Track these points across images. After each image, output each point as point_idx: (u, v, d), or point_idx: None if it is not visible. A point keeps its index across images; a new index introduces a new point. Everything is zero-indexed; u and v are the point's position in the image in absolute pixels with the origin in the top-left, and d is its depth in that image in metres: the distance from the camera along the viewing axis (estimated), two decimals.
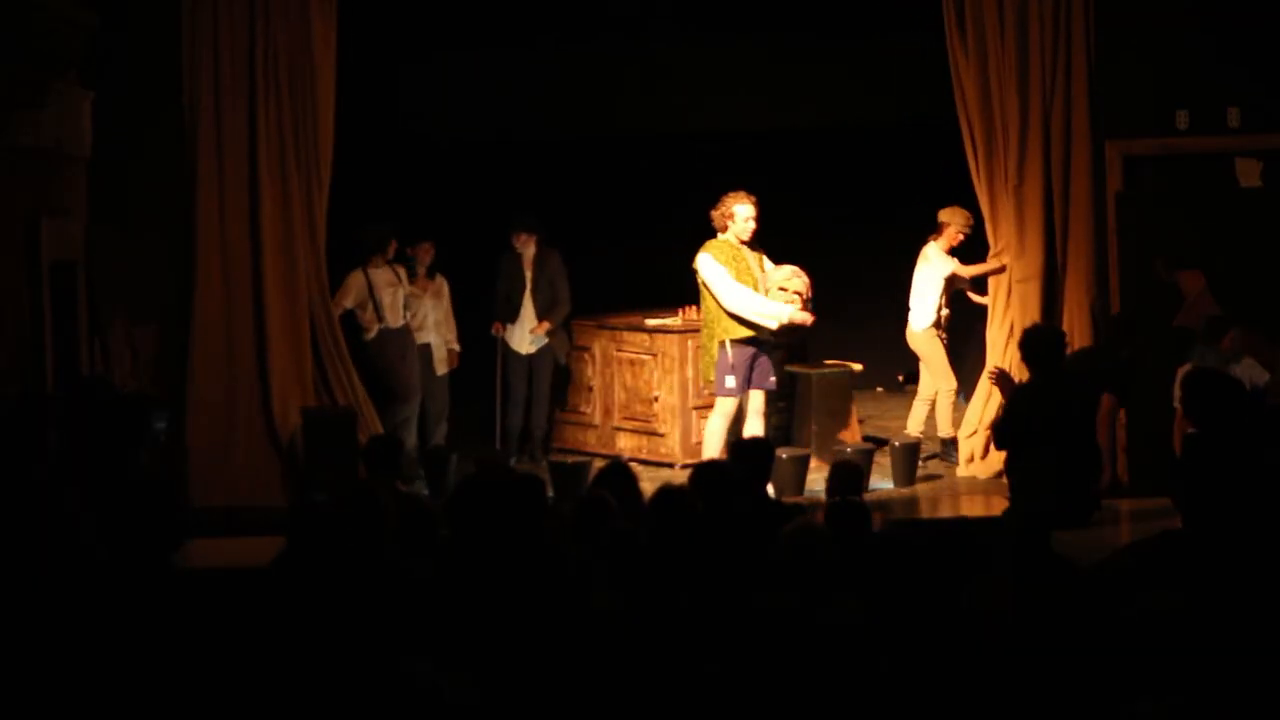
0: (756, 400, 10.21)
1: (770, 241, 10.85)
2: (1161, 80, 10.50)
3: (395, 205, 11.77)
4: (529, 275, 11.46)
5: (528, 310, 11.51)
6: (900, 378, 14.44)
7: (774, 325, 9.98)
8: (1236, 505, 5.30)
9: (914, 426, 11.35)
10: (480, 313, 11.65)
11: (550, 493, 8.96)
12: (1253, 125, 10.45)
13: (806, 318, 10.05)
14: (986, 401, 10.62)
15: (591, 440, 11.86)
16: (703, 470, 6.75)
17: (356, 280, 10.88)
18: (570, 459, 11.14)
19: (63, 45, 9.29)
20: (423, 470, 10.75)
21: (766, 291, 10.09)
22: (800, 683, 4.59)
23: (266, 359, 10.40)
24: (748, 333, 9.97)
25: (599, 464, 9.16)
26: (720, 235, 10.13)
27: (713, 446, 10.06)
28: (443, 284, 11.39)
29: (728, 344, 9.99)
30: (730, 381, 10.01)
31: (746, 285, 9.97)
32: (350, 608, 4.02)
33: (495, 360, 11.59)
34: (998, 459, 9.93)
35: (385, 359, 10.92)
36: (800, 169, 13.61)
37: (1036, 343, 8.48)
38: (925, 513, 9.95)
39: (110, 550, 5.25)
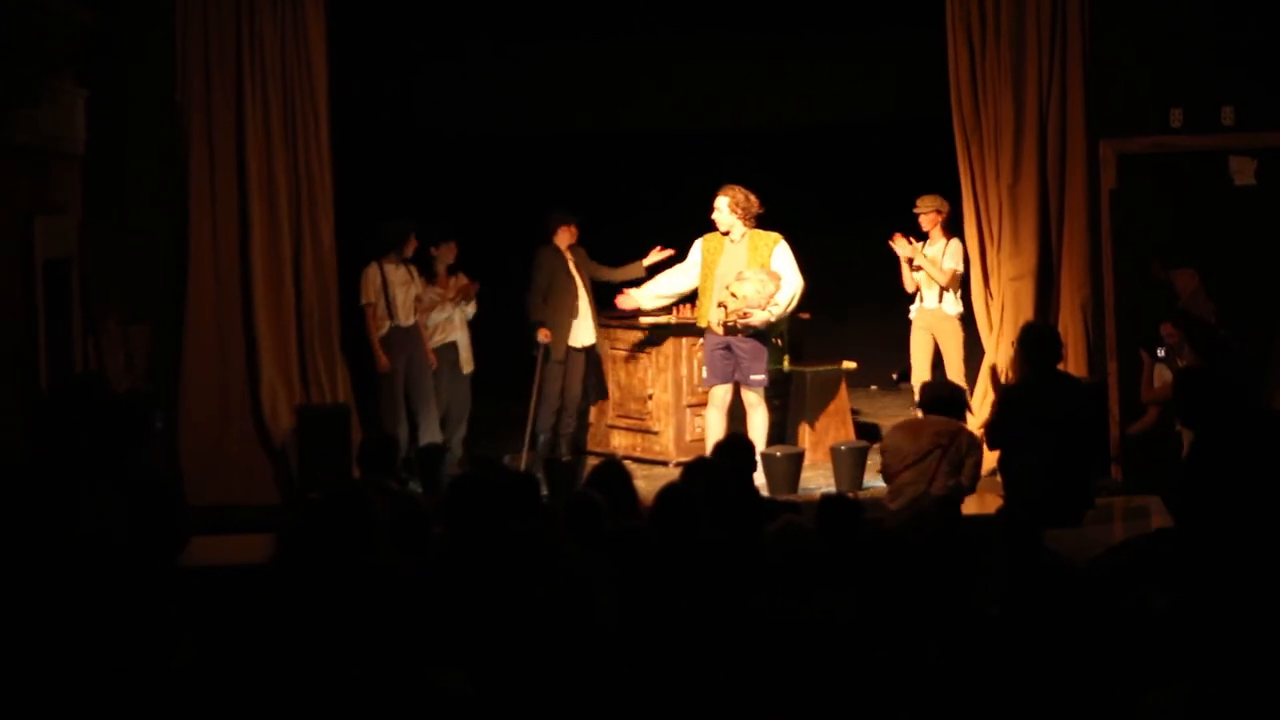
0: (749, 395, 10.44)
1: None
2: (1156, 78, 10.51)
3: (415, 204, 11.75)
4: (574, 268, 11.25)
5: (585, 303, 11.26)
6: (894, 375, 14.44)
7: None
8: (1229, 504, 5.32)
9: None
10: (503, 310, 11.57)
11: (544, 491, 8.96)
12: (1247, 123, 10.46)
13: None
14: (983, 400, 10.64)
15: (590, 439, 11.85)
16: (694, 467, 6.76)
17: (372, 275, 10.82)
18: (564, 457, 11.14)
19: (57, 43, 9.28)
20: (418, 468, 10.72)
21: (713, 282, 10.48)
22: (796, 681, 4.60)
23: (257, 357, 10.42)
24: (702, 322, 10.53)
25: (593, 462, 9.18)
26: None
27: (709, 439, 10.31)
28: (468, 285, 11.30)
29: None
30: (704, 371, 10.56)
31: (712, 278, 10.42)
32: (340, 606, 4.02)
33: (534, 360, 11.25)
34: (991, 457, 9.92)
35: (393, 359, 10.84)
36: (796, 166, 13.62)
37: (1032, 341, 8.48)
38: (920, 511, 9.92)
39: (122, 549, 5.25)
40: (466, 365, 11.31)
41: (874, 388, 14.30)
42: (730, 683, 4.61)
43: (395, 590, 4.14)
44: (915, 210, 11.18)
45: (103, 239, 9.98)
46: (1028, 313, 10.37)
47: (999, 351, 10.60)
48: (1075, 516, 8.13)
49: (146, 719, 4.33)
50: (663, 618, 4.91)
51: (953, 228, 11.06)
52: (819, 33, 12.87)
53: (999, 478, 8.73)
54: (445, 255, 11.19)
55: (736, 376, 10.38)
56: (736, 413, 10.54)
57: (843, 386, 11.70)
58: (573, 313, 11.20)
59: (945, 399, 8.75)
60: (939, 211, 11.11)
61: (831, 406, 11.54)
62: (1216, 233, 10.28)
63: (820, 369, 11.61)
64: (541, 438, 11.24)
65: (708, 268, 10.44)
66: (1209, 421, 6.57)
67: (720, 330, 10.35)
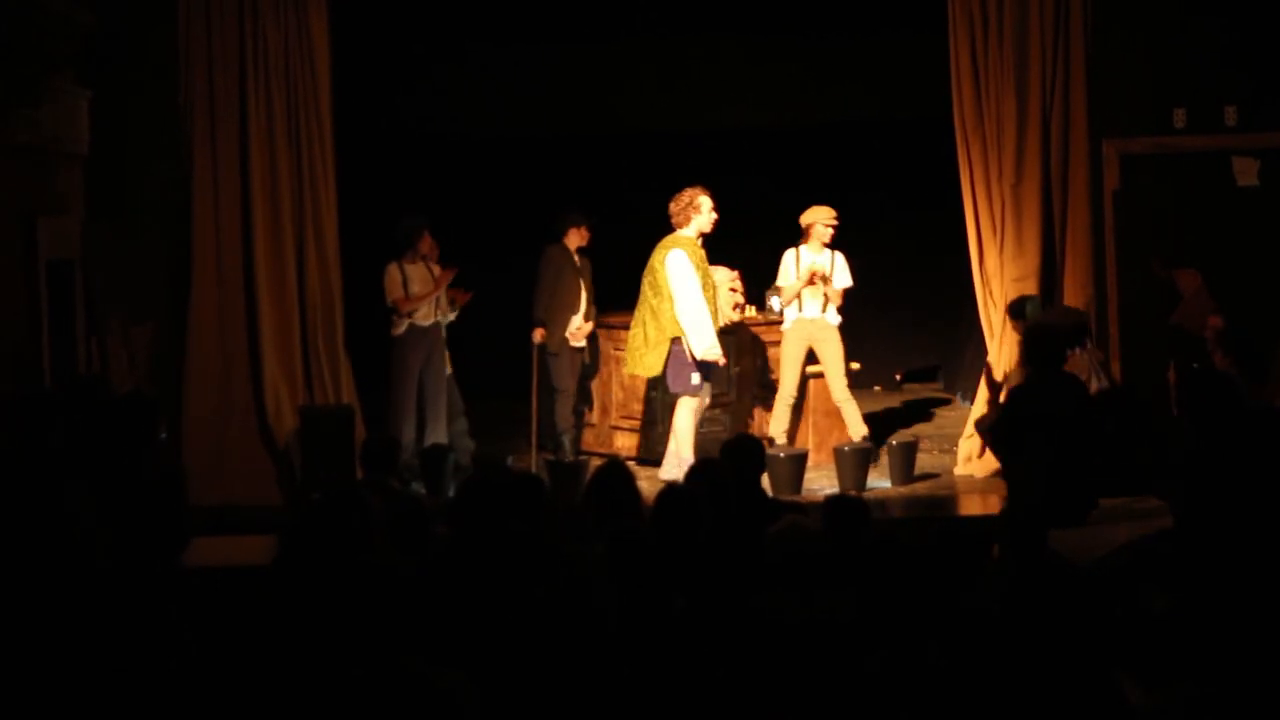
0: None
1: (766, 239, 10.89)
2: (1159, 79, 10.52)
3: (416, 206, 11.77)
4: (579, 268, 11.30)
5: (585, 304, 11.29)
6: (898, 376, 14.45)
7: (697, 352, 10.06)
8: (1230, 504, 5.31)
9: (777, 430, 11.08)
10: (505, 309, 11.57)
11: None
12: (1250, 124, 10.47)
13: (720, 358, 10.18)
14: (984, 401, 10.64)
15: (589, 439, 11.86)
16: (701, 468, 6.75)
17: (393, 274, 10.78)
18: (566, 458, 11.14)
19: (58, 43, 9.29)
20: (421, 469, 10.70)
21: (716, 288, 10.33)
22: (796, 682, 4.59)
23: (260, 358, 10.43)
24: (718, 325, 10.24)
25: (596, 463, 9.18)
26: (680, 231, 10.22)
27: (686, 444, 10.21)
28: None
29: (685, 341, 10.11)
30: (695, 378, 10.15)
31: (708, 288, 10.16)
32: (340, 606, 4.03)
33: (531, 361, 11.31)
34: (994, 458, 9.93)
35: (407, 359, 10.83)
36: (796, 166, 13.61)
37: (1035, 341, 8.48)
38: (922, 512, 9.94)
39: (119, 550, 5.24)
40: (448, 364, 11.33)
41: (877, 388, 14.29)
42: (730, 683, 4.61)
43: (395, 590, 4.14)
44: (825, 223, 10.90)
45: (106, 240, 9.99)
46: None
47: (1001, 353, 10.59)
48: (1079, 516, 8.13)
49: (146, 719, 4.33)
50: (663, 618, 4.90)
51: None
52: (820, 34, 12.87)
53: (1002, 478, 8.74)
54: (423, 248, 11.19)
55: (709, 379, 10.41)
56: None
57: None
58: (574, 309, 11.23)
59: (1070, 328, 9.21)
60: (836, 220, 10.95)
61: (834, 407, 11.52)
62: (1219, 233, 10.28)
63: (822, 370, 11.59)
64: (565, 437, 11.26)
65: (706, 279, 10.24)
66: (1210, 421, 6.57)
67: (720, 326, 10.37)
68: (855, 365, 11.77)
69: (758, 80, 13.27)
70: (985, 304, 10.73)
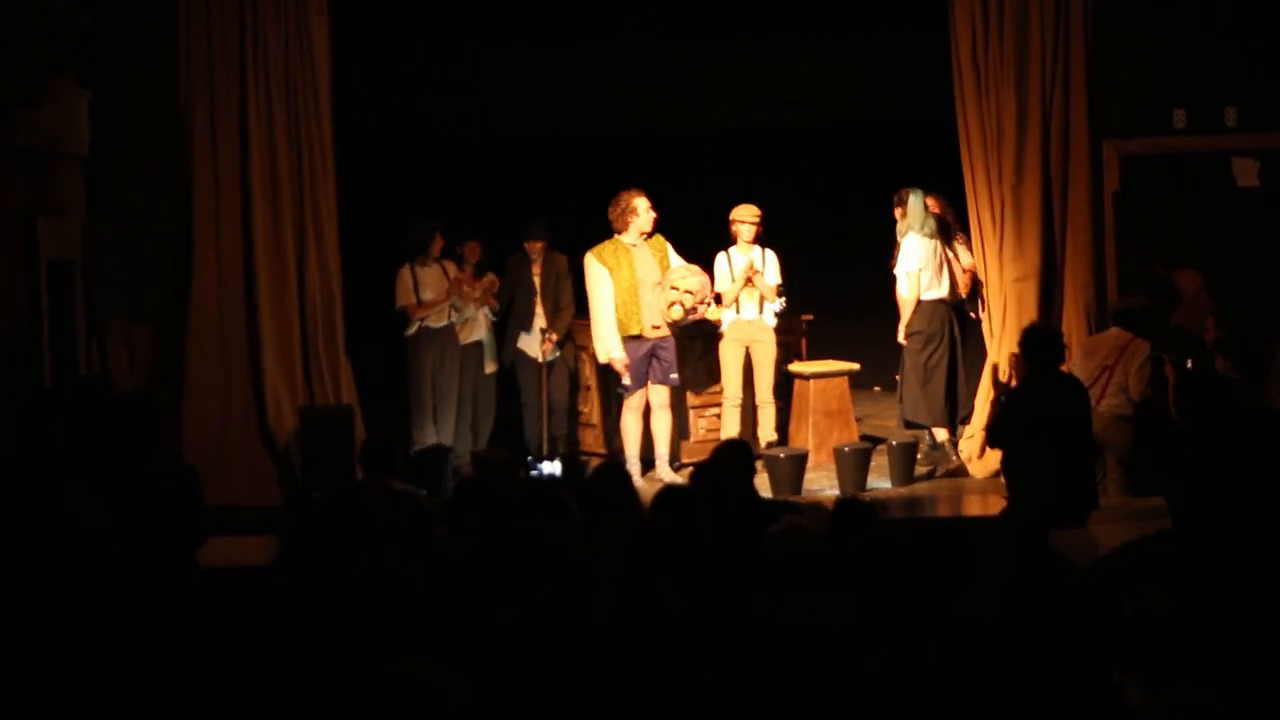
0: (660, 395, 10.56)
1: (769, 240, 10.88)
2: (1159, 79, 10.51)
3: (416, 206, 11.77)
4: (538, 280, 11.29)
5: (539, 317, 11.29)
6: (898, 377, 14.42)
7: (600, 357, 10.52)
8: (1230, 505, 5.30)
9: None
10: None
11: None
12: (1250, 124, 10.47)
13: (623, 369, 10.37)
14: (984, 401, 10.64)
15: (590, 439, 11.85)
16: (700, 470, 6.77)
17: (403, 278, 10.80)
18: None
19: (58, 43, 9.29)
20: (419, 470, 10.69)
21: (638, 287, 10.42)
22: (796, 682, 4.60)
23: (260, 359, 10.43)
24: (634, 329, 10.39)
25: (596, 463, 9.19)
26: (618, 235, 10.48)
27: (628, 442, 10.60)
28: (493, 282, 11.33)
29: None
30: (625, 380, 10.46)
31: (626, 283, 10.36)
32: (341, 606, 4.03)
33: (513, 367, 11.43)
34: (995, 459, 9.93)
35: (420, 360, 10.85)
36: (798, 166, 13.61)
37: (1033, 342, 8.48)
38: (923, 512, 9.94)
39: (121, 550, 5.23)
40: (489, 365, 11.34)
41: (877, 389, 14.28)
42: (730, 683, 4.61)
43: (396, 590, 4.15)
44: (743, 220, 10.86)
45: (106, 240, 9.99)
46: (1031, 314, 10.36)
47: (1001, 353, 10.59)
48: (1079, 517, 8.13)
49: (146, 719, 4.33)
50: (662, 618, 4.91)
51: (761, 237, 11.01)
52: (820, 34, 12.87)
53: (1002, 479, 8.73)
54: (469, 255, 11.22)
55: (653, 379, 10.51)
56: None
57: (845, 388, 11.69)
58: (524, 325, 11.29)
59: (1135, 311, 9.39)
60: (757, 219, 10.95)
61: (834, 408, 11.53)
62: (1219, 234, 10.28)
63: (823, 370, 11.60)
64: (530, 444, 11.30)
65: (627, 277, 10.38)
66: (1209, 422, 6.57)
67: (667, 330, 10.46)
68: (855, 365, 11.77)
69: (758, 80, 13.27)
70: (985, 304, 10.74)
